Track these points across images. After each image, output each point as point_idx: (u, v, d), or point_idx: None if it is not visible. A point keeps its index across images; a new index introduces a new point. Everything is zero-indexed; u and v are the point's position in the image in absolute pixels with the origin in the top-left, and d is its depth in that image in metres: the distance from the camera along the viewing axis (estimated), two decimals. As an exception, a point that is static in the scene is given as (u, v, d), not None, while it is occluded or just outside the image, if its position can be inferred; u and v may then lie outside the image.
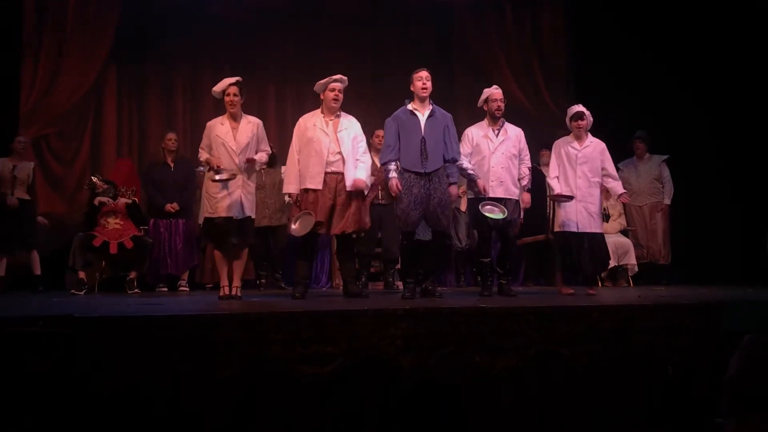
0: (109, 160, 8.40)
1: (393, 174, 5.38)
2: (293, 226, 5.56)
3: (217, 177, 5.47)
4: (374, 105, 8.90)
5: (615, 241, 7.84)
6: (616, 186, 6.18)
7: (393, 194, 5.46)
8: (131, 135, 8.68)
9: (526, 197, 5.99)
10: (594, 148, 6.11)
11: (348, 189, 5.61)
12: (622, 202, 7.01)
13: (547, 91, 9.26)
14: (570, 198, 5.97)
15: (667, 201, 8.16)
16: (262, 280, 7.77)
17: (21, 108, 7.88)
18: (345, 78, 5.72)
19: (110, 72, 8.50)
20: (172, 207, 7.37)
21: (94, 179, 7.34)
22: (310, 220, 5.47)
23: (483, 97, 6.04)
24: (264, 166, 7.45)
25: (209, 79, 8.77)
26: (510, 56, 9.27)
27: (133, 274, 7.11)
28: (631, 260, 7.87)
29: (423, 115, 5.46)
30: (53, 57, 8.06)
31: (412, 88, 5.52)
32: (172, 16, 8.48)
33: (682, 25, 8.40)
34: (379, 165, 7.04)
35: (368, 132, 7.48)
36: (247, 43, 8.88)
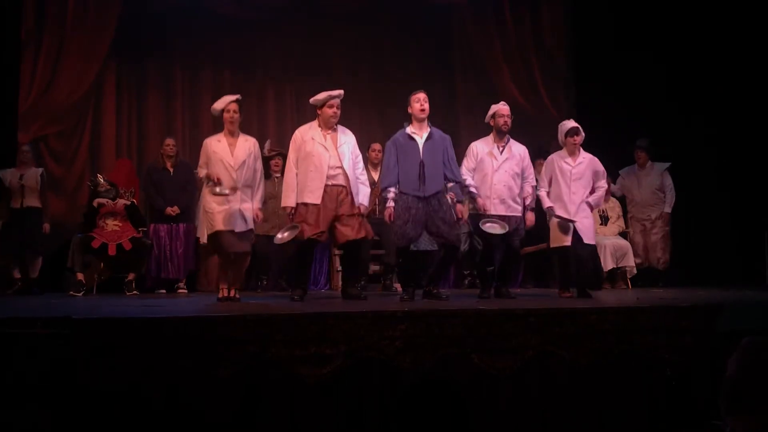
0: (109, 159, 8.39)
1: (391, 203, 5.42)
2: (279, 236, 5.58)
3: (218, 189, 5.47)
4: (373, 105, 8.93)
5: (613, 243, 7.84)
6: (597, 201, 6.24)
7: (387, 221, 5.50)
8: (130, 134, 8.66)
9: (530, 217, 5.99)
10: (587, 165, 6.12)
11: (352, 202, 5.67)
12: (622, 206, 6.99)
13: (546, 92, 9.26)
14: (571, 221, 6.00)
15: (668, 209, 8.09)
16: (263, 283, 7.77)
17: (20, 107, 7.87)
18: (342, 92, 5.74)
19: (109, 71, 8.48)
20: (172, 210, 7.38)
21: (99, 177, 7.34)
22: (293, 232, 5.49)
23: (490, 112, 6.02)
24: (278, 175, 7.47)
25: (208, 78, 8.80)
26: (510, 57, 9.26)
27: (131, 276, 7.10)
28: (630, 262, 7.85)
29: (421, 138, 5.48)
30: (52, 56, 8.04)
31: (409, 110, 5.54)
32: (171, 15, 8.46)
33: (683, 27, 8.41)
34: (376, 179, 7.07)
35: (366, 139, 7.49)
36: (246, 42, 8.87)
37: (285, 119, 8.91)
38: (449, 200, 5.53)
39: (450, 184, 5.53)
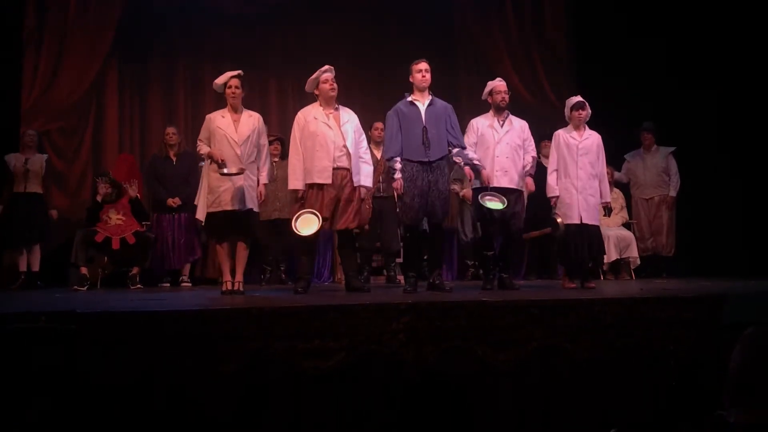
0: (111, 155, 8.41)
1: (398, 174, 5.39)
2: (296, 225, 5.51)
3: (225, 171, 5.44)
4: (376, 97, 8.90)
5: (617, 234, 7.84)
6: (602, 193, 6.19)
7: (396, 193, 5.48)
8: (132, 130, 8.68)
9: (530, 181, 5.98)
10: (593, 140, 6.11)
11: (353, 186, 5.63)
12: (625, 195, 6.99)
13: (548, 82, 9.25)
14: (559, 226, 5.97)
15: (673, 193, 8.15)
16: (267, 275, 7.79)
17: (23, 104, 7.90)
18: (332, 67, 5.71)
19: (111, 67, 8.50)
20: (173, 202, 7.40)
21: (100, 183, 7.26)
22: (314, 220, 5.43)
23: (487, 89, 6.04)
24: (276, 159, 7.48)
25: (210, 73, 8.75)
26: (511, 48, 9.26)
27: (135, 270, 7.13)
28: (633, 253, 7.87)
29: (423, 104, 5.48)
30: (54, 53, 8.06)
31: (411, 80, 5.55)
32: (172, 10, 8.48)
33: (684, 13, 8.36)
34: (379, 157, 7.06)
35: (368, 124, 7.49)
36: (247, 36, 8.88)
37: (287, 114, 8.89)
38: (457, 165, 5.53)
39: (455, 150, 5.52)
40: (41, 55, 8.03)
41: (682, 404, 4.01)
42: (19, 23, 7.97)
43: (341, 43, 8.96)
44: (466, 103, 8.98)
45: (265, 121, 8.61)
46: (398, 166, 5.40)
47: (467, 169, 5.68)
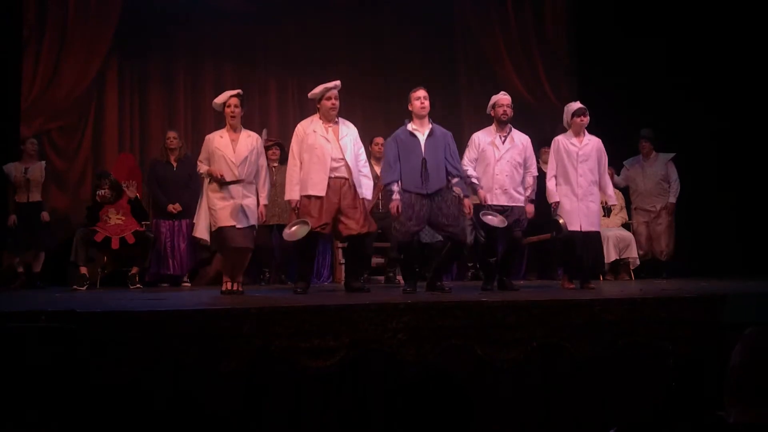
0: (111, 154, 8.38)
1: (396, 196, 5.40)
2: (287, 231, 5.58)
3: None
4: (375, 97, 8.91)
5: (616, 234, 7.84)
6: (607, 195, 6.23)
7: (392, 215, 5.49)
8: (132, 128, 8.64)
9: (530, 209, 5.98)
10: (593, 146, 6.10)
11: (355, 193, 5.66)
12: (625, 199, 6.98)
13: (548, 82, 9.24)
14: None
15: (673, 200, 8.08)
16: (267, 275, 7.79)
17: (22, 103, 7.87)
18: (339, 83, 5.75)
19: (111, 65, 8.47)
20: (174, 208, 7.38)
21: (102, 186, 7.21)
22: (305, 228, 5.48)
23: (490, 103, 6.01)
24: (275, 164, 7.48)
25: (210, 71, 8.79)
26: (511, 47, 9.23)
27: (134, 270, 7.12)
28: (633, 254, 7.85)
29: (423, 135, 5.48)
30: (54, 51, 8.04)
31: (410, 107, 5.54)
32: (172, 8, 8.47)
33: (685, 15, 8.36)
34: (378, 173, 7.08)
35: (368, 132, 7.48)
36: (248, 35, 8.85)
37: (287, 111, 8.89)
38: (455, 195, 5.52)
39: (454, 180, 5.53)
40: (41, 54, 8.01)
41: (682, 404, 4.02)
42: (19, 23, 7.96)
43: (341, 43, 8.95)
44: (466, 103, 8.99)
45: (265, 121, 8.62)
46: (396, 188, 5.42)
47: (467, 201, 5.60)
